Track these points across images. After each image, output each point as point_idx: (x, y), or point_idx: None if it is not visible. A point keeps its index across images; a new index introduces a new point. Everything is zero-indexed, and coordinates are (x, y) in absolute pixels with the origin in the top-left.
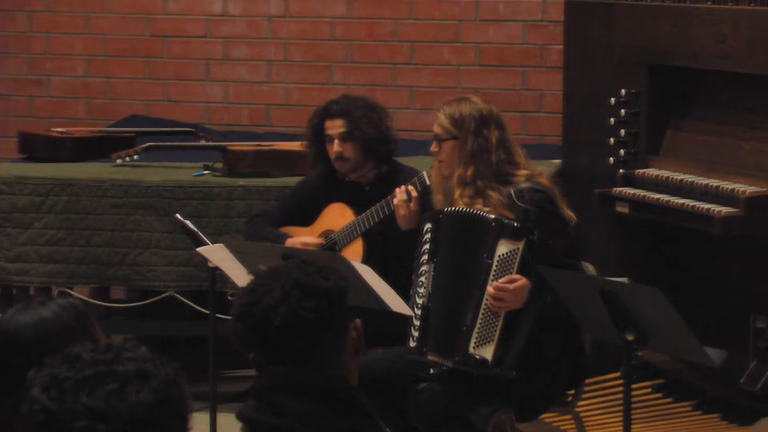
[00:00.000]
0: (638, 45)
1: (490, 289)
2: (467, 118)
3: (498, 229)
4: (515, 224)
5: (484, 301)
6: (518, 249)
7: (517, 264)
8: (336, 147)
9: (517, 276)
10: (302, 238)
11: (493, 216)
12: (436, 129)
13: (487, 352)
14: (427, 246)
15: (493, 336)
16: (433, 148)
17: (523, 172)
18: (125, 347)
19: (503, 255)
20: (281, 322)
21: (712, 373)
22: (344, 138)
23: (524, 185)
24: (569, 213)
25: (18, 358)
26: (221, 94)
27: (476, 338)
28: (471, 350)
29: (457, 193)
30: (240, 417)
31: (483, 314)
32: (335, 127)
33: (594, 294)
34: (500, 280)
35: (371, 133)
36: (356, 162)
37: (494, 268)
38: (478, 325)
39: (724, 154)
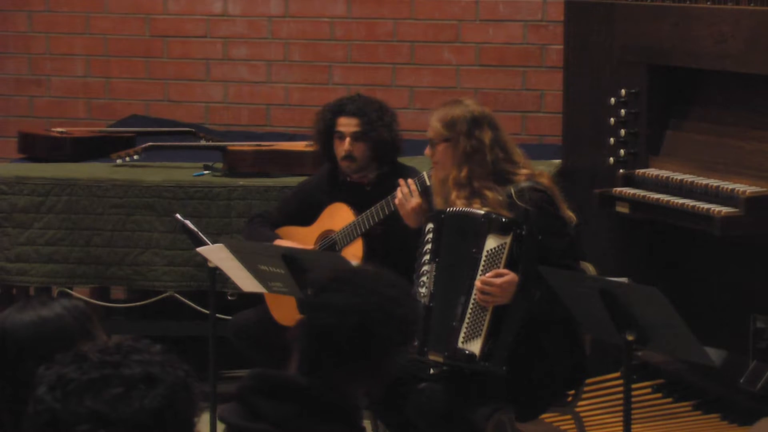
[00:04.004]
0: (638, 45)
1: (477, 283)
2: (459, 119)
3: (486, 224)
4: (503, 219)
5: (473, 296)
6: (506, 243)
7: (504, 258)
8: (347, 145)
9: (504, 270)
10: (291, 242)
11: (482, 211)
12: (430, 133)
13: (475, 347)
14: (429, 246)
15: (481, 330)
16: (427, 152)
17: (524, 171)
18: (136, 348)
19: (491, 250)
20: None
21: (712, 373)
22: (356, 137)
23: (525, 184)
24: (569, 213)
25: (11, 355)
26: (221, 94)
27: (465, 333)
28: (460, 345)
29: (454, 194)
30: (221, 419)
31: (472, 309)
32: (349, 125)
33: (594, 294)
34: (487, 275)
35: (384, 136)
36: (363, 162)
37: (483, 262)
38: (466, 320)
39: (724, 154)
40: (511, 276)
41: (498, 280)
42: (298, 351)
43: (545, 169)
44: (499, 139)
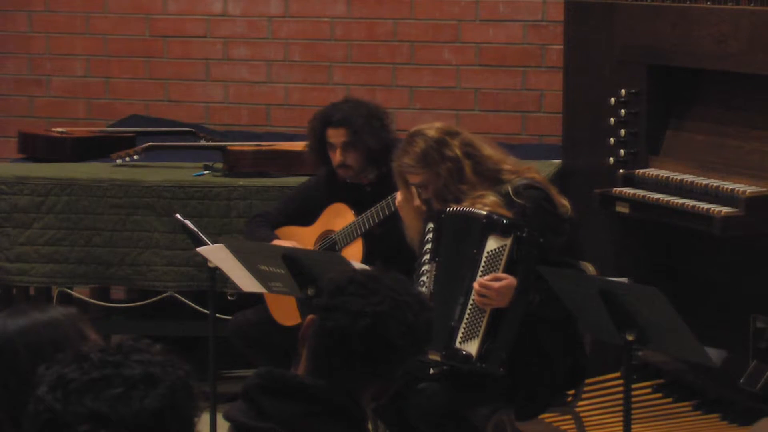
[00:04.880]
0: (638, 45)
1: (475, 285)
2: (428, 150)
3: (488, 225)
4: (504, 221)
5: (472, 297)
6: (506, 246)
7: (503, 261)
8: (338, 156)
9: (503, 275)
10: (291, 242)
11: (484, 212)
12: (412, 180)
13: (472, 348)
14: (429, 245)
15: (479, 331)
16: (420, 197)
17: (508, 166)
18: (136, 348)
19: (492, 251)
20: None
21: (712, 373)
22: (346, 147)
23: (520, 182)
24: (564, 203)
25: (5, 358)
26: (221, 94)
27: (462, 333)
28: (457, 345)
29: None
30: (227, 418)
31: (470, 310)
32: (338, 136)
33: (594, 294)
34: (485, 278)
35: (374, 144)
36: (359, 169)
37: (483, 263)
38: (465, 320)
39: (724, 154)
40: (508, 280)
41: (496, 284)
42: (307, 351)
43: (545, 170)
44: (465, 142)
